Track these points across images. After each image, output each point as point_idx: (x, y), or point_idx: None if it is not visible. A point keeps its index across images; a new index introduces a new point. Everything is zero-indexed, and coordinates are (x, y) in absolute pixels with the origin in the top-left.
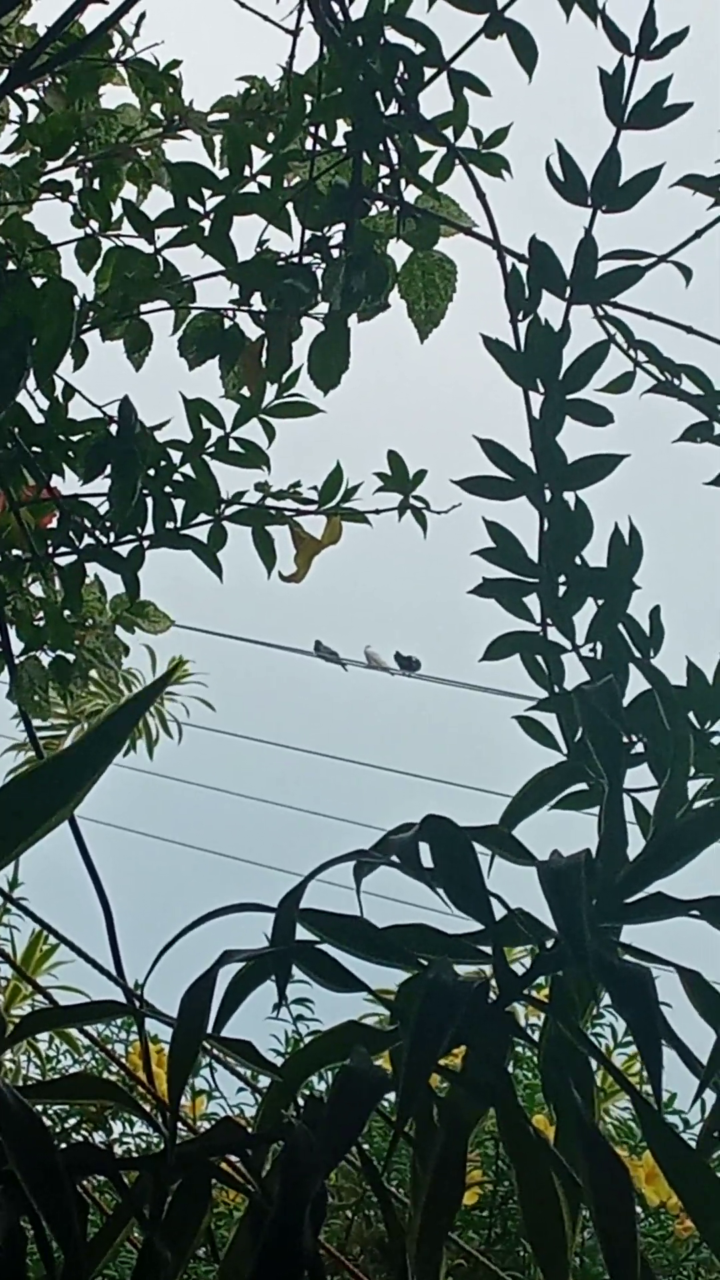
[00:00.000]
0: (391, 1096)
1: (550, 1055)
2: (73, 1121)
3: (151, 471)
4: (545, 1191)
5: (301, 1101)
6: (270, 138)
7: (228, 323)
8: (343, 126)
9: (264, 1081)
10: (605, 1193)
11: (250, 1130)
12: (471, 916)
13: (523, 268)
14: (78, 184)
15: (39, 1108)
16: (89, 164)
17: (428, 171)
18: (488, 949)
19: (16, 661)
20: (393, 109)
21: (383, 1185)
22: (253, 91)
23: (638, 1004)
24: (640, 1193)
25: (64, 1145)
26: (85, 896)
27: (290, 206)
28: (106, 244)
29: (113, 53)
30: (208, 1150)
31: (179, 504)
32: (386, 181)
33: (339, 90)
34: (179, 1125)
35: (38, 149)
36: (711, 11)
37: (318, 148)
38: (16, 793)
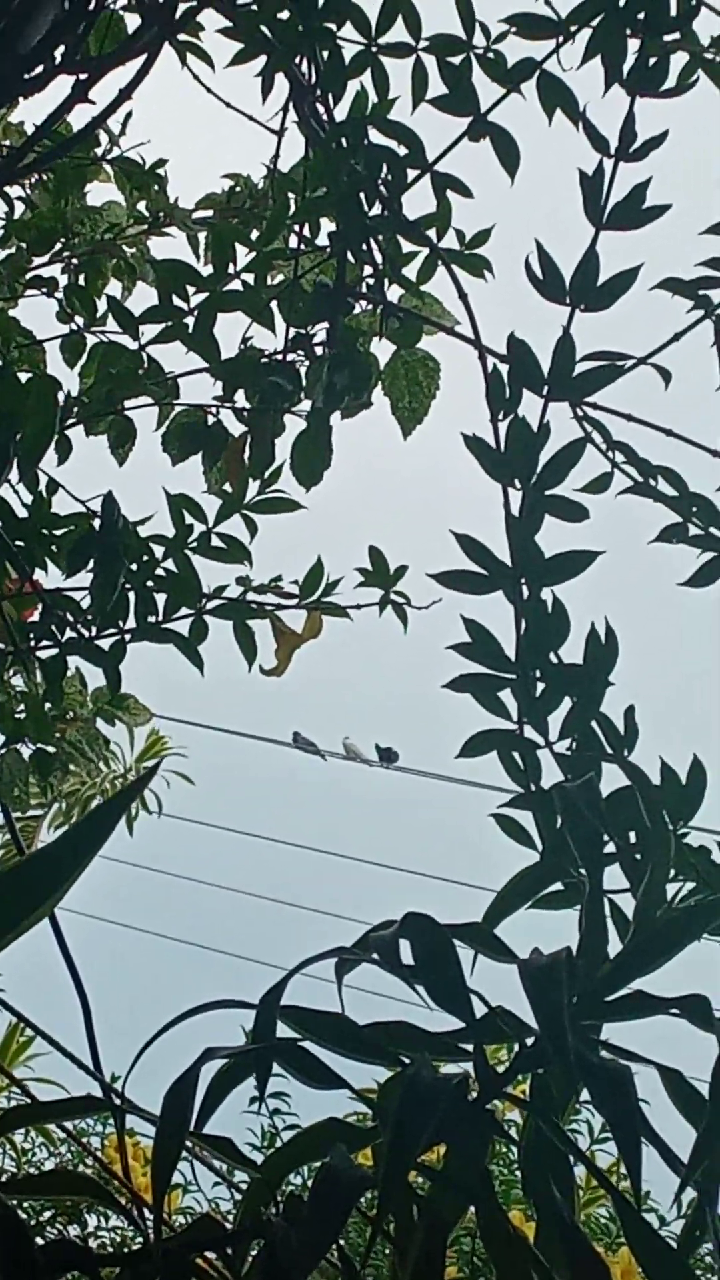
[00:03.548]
0: (372, 1193)
1: (531, 1153)
2: (47, 1214)
3: (134, 566)
4: None
5: (280, 1199)
6: (254, 235)
7: (211, 419)
8: (327, 225)
9: (240, 1175)
10: None
11: (230, 1227)
12: (452, 1014)
13: (504, 368)
14: (63, 280)
15: (14, 1201)
16: (74, 260)
17: (410, 271)
18: (469, 1046)
19: None
20: (376, 209)
21: None
22: (237, 189)
23: (618, 1103)
24: None
25: (42, 1241)
26: (62, 987)
27: (274, 304)
28: (91, 340)
29: (99, 151)
30: (188, 1247)
31: (161, 598)
32: (370, 280)
33: (323, 190)
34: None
35: (24, 245)
36: (693, 117)
37: (302, 246)
38: None
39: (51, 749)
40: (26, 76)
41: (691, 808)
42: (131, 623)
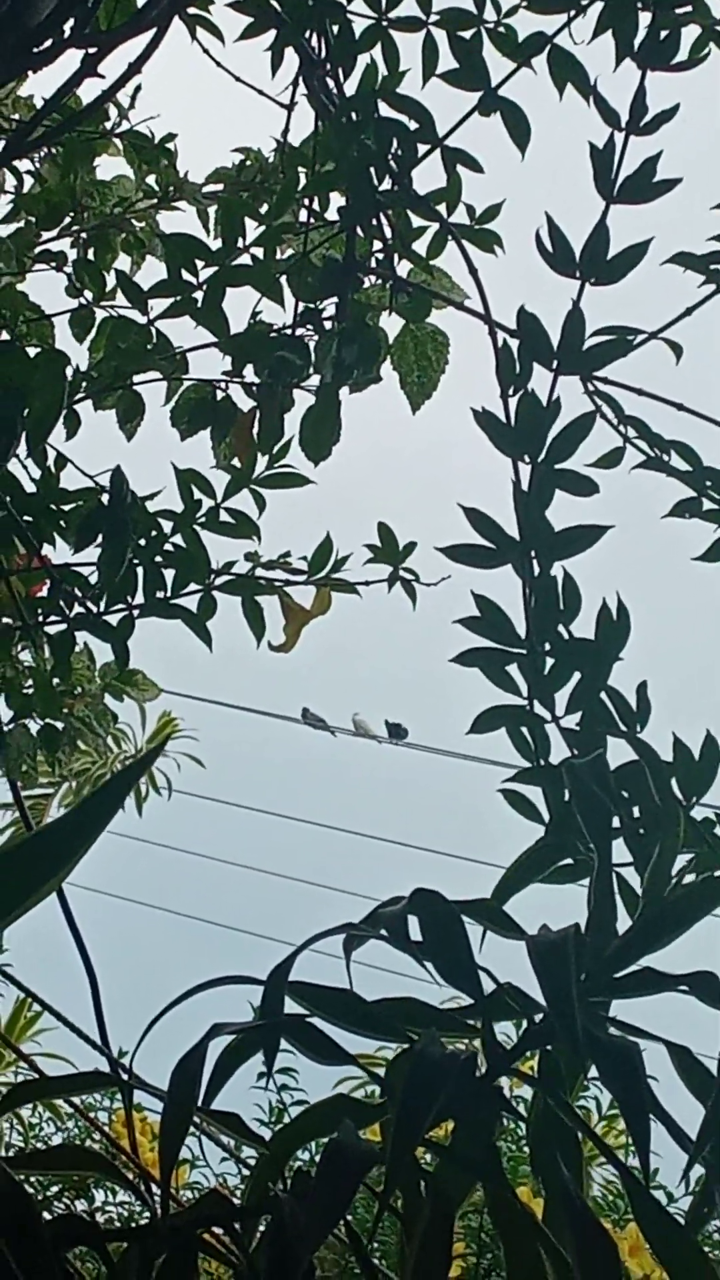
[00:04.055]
0: (379, 1169)
1: (538, 1130)
2: (55, 1189)
3: (142, 541)
4: (533, 1267)
5: (288, 1174)
6: (264, 210)
7: (220, 394)
8: (336, 200)
9: (248, 1151)
10: (593, 1269)
11: (237, 1202)
12: (461, 991)
13: (514, 342)
14: (72, 254)
15: (21, 1177)
16: (84, 234)
17: (420, 246)
18: (477, 1023)
19: (5, 729)
20: (386, 184)
21: (368, 1259)
22: (247, 163)
23: (625, 1079)
24: (624, 1265)
25: (49, 1216)
26: (70, 962)
27: (283, 279)
28: (100, 314)
29: (108, 125)
30: (195, 1223)
31: (169, 573)
32: (380, 255)
33: (332, 164)
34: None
35: (33, 219)
36: (706, 91)
37: (311, 221)
38: (3, 866)
39: (59, 724)
40: (35, 50)
41: (704, 784)
42: (140, 598)
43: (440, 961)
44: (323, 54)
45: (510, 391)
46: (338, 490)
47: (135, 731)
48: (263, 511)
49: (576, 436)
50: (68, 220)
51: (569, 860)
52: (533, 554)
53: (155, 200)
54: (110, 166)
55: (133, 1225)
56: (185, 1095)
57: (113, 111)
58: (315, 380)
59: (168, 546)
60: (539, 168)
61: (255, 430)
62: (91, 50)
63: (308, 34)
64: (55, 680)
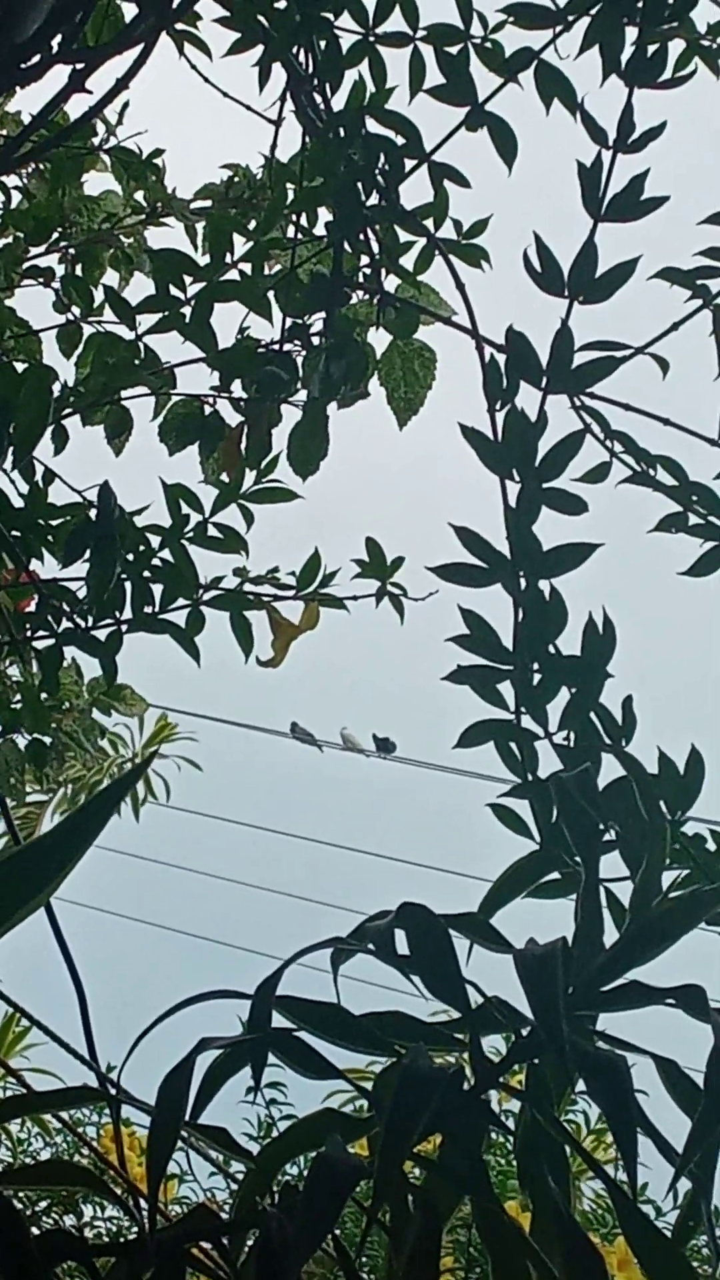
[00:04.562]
0: (367, 1183)
1: (526, 1143)
2: (43, 1204)
3: (130, 556)
4: None
5: (276, 1189)
6: (252, 225)
7: (208, 409)
8: (324, 215)
9: (236, 1165)
10: None
11: (225, 1217)
12: (448, 1004)
13: (501, 358)
14: (60, 270)
15: (9, 1192)
16: (71, 250)
17: (408, 261)
18: (464, 1036)
19: None
20: (373, 199)
21: (356, 1274)
22: (235, 179)
23: (613, 1093)
24: (612, 1279)
25: (37, 1231)
26: (58, 977)
27: (271, 294)
28: (88, 330)
29: (96, 140)
30: (183, 1237)
31: (157, 588)
32: (367, 270)
33: (320, 180)
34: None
35: (21, 234)
36: (691, 106)
37: (299, 236)
38: None
39: (47, 739)
40: (23, 66)
41: (689, 798)
42: (128, 613)
43: (427, 975)
44: (310, 70)
45: (497, 407)
46: (325, 505)
47: (133, 736)
48: (251, 526)
49: (566, 455)
50: (55, 236)
51: (556, 874)
52: (521, 571)
53: (143, 216)
54: (98, 182)
55: (121, 1240)
56: (173, 1109)
57: (100, 127)
58: (303, 395)
59: (156, 561)
60: (526, 183)
61: (243, 445)
62: (79, 66)
63: (295, 50)
64: (43, 695)
